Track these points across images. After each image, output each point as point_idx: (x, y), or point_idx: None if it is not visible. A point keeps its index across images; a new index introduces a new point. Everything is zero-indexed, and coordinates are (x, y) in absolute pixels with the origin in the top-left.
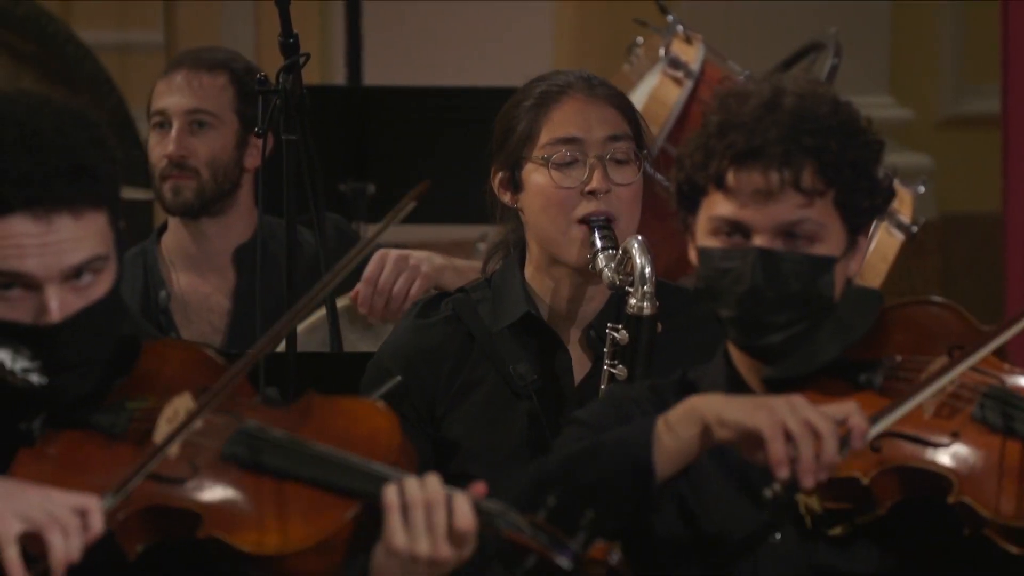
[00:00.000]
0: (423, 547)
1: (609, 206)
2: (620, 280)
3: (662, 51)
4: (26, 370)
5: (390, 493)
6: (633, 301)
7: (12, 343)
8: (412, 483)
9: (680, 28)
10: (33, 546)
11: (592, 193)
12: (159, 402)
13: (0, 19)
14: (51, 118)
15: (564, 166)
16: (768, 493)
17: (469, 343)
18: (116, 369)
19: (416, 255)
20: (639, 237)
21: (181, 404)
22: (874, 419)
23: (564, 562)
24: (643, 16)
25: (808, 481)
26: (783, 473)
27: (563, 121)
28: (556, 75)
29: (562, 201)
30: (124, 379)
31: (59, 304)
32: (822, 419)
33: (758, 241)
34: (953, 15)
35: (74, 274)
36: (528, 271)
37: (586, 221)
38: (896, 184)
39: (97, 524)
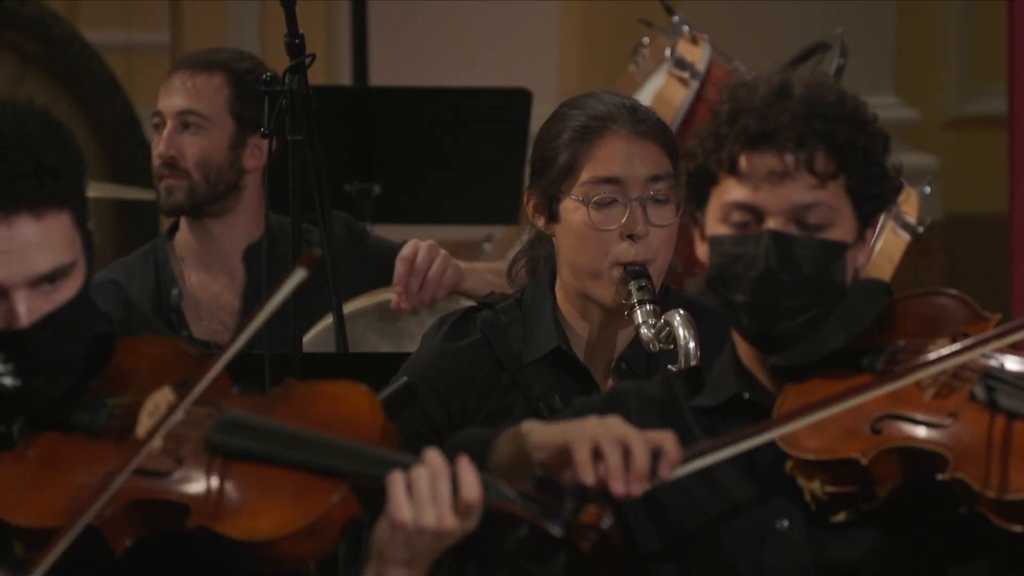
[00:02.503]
0: (429, 518)
1: (647, 249)
2: (659, 347)
3: (668, 52)
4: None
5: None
6: None
7: None
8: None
9: (686, 28)
10: None
11: (631, 236)
12: (138, 397)
13: (6, 19)
14: (12, 121)
15: (604, 207)
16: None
17: (498, 370)
18: (90, 369)
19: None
20: (681, 311)
21: (161, 398)
22: (693, 455)
23: (556, 530)
24: (649, 17)
25: (618, 488)
26: (588, 479)
27: (605, 159)
28: (596, 102)
29: (599, 242)
30: (100, 378)
31: (27, 309)
32: (634, 436)
33: (771, 224)
34: (959, 15)
35: (41, 281)
36: (559, 296)
37: (622, 265)
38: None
39: None
